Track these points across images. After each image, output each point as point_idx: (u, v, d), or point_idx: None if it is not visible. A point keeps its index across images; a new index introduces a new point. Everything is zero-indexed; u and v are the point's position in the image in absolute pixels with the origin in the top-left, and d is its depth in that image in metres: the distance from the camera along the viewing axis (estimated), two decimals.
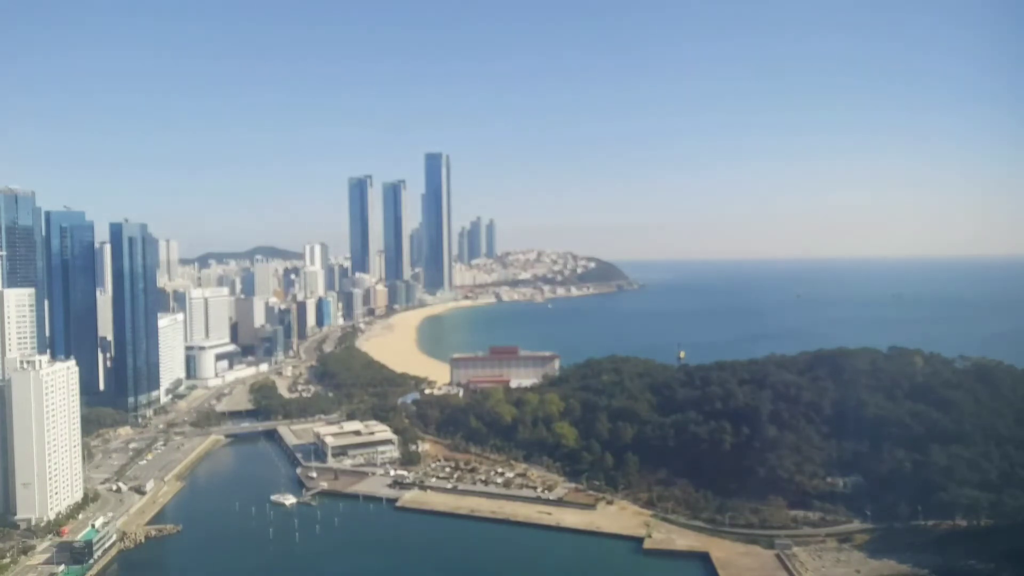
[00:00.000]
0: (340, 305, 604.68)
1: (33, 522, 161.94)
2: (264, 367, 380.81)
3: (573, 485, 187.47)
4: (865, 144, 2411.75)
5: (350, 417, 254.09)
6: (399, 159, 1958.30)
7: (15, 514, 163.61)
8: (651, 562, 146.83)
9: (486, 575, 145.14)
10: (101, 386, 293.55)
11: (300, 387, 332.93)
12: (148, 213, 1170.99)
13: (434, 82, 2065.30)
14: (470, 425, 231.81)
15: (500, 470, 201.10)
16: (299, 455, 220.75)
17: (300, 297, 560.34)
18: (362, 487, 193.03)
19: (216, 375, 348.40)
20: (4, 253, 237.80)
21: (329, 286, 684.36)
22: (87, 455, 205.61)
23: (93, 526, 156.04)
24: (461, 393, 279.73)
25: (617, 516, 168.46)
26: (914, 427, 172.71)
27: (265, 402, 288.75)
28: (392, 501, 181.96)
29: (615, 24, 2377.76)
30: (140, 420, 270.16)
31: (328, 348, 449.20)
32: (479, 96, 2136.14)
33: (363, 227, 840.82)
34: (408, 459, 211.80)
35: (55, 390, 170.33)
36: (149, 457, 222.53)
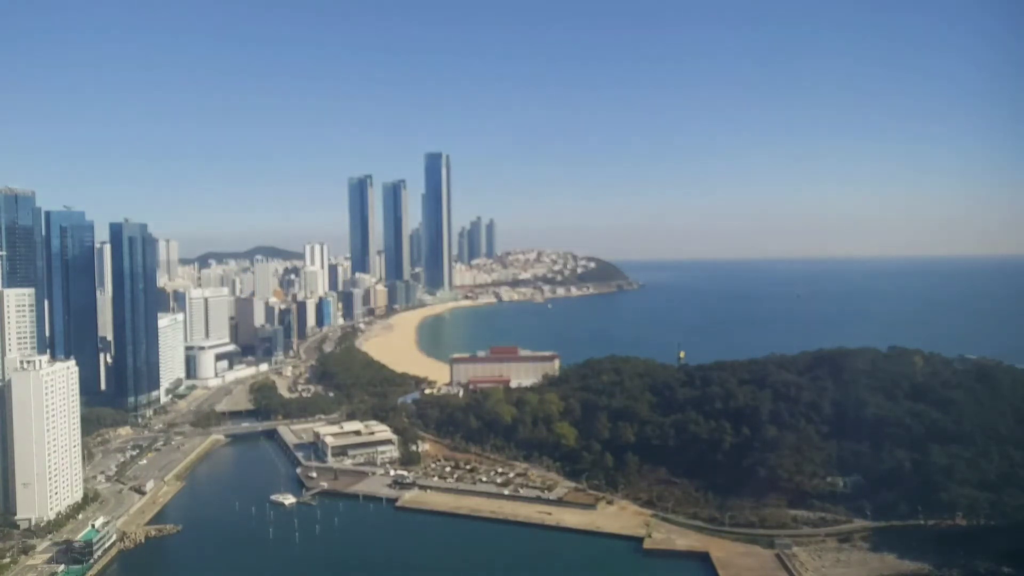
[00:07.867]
0: (340, 305, 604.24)
1: (33, 522, 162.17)
2: (264, 367, 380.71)
3: (573, 485, 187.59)
4: (865, 144, 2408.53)
5: (350, 417, 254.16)
6: (399, 159, 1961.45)
7: (15, 514, 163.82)
8: (651, 562, 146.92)
9: (486, 575, 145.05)
10: (101, 386, 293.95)
11: (300, 387, 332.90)
12: (148, 213, 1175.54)
13: (434, 82, 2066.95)
14: (470, 425, 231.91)
15: (500, 470, 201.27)
16: (299, 455, 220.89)
17: (300, 297, 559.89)
18: (362, 487, 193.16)
19: (216, 375, 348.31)
20: (4, 253, 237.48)
21: (329, 286, 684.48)
22: (87, 455, 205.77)
23: (93, 526, 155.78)
24: (461, 393, 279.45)
25: (617, 516, 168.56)
26: (914, 427, 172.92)
27: (265, 402, 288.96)
28: (392, 501, 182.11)
29: (615, 26, 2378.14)
30: (140, 420, 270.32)
31: (328, 348, 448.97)
32: (480, 96, 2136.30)
33: (363, 227, 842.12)
34: (408, 459, 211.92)
35: (55, 390, 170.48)
36: (149, 457, 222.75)
